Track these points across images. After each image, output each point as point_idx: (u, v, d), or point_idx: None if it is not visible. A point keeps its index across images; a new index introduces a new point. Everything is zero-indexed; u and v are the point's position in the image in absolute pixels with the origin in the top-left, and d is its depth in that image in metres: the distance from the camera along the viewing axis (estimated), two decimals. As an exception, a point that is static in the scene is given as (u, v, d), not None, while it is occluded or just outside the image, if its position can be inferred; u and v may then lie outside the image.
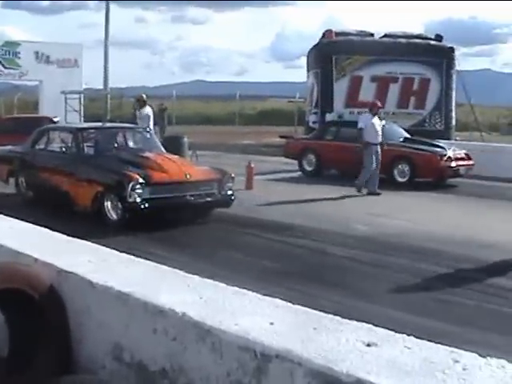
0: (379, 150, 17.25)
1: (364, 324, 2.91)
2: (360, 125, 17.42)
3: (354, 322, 2.94)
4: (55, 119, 22.80)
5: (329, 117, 27.47)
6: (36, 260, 4.07)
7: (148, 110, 21.20)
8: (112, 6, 34.70)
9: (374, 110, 17.92)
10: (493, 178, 19.92)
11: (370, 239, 11.47)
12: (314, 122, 29.21)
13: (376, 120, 17.50)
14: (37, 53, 35.76)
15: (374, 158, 17.04)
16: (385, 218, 13.51)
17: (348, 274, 9.24)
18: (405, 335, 2.76)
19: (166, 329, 3.15)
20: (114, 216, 11.97)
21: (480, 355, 2.56)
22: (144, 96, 22.86)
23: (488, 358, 2.54)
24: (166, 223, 12.00)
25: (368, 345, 2.66)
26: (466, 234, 11.80)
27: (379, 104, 18.69)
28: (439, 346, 2.67)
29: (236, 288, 3.47)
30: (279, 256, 10.27)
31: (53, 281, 3.83)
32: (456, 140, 27.33)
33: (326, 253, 10.53)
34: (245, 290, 3.43)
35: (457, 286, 8.63)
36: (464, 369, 2.45)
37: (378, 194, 16.59)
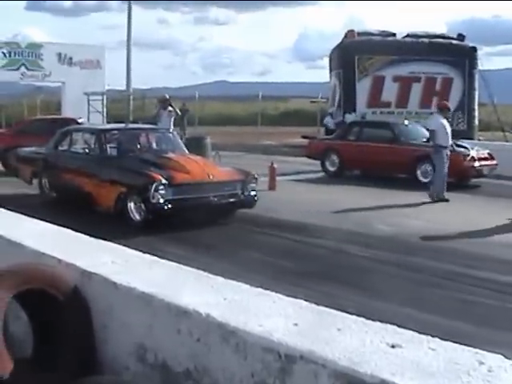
0: (449, 153, 16.48)
1: (388, 325, 2.90)
2: (432, 126, 16.64)
3: (378, 323, 2.93)
4: (80, 120, 22.90)
5: (349, 117, 27.47)
6: (60, 261, 4.07)
7: (169, 110, 21.31)
8: (134, 7, 34.83)
9: (444, 111, 17.22)
10: (517, 177, 19.78)
11: (390, 239, 11.48)
12: (337, 124, 29.19)
13: (446, 121, 16.73)
14: (59, 54, 36.02)
15: (445, 161, 16.22)
16: (406, 217, 13.50)
17: (367, 274, 9.23)
18: (429, 336, 2.75)
19: (190, 329, 3.14)
20: (137, 217, 12.00)
21: (506, 357, 2.54)
22: (167, 96, 22.98)
23: (515, 359, 2.52)
24: (189, 224, 12.03)
25: (392, 346, 2.65)
26: (487, 233, 11.82)
27: (449, 105, 18.41)
28: (464, 347, 2.65)
29: (260, 289, 3.47)
30: (300, 256, 10.31)
31: (76, 281, 3.84)
32: (479, 140, 27.24)
33: (346, 253, 10.53)
34: (268, 291, 3.42)
35: (477, 285, 8.60)
36: (489, 370, 2.43)
37: (447, 200, 15.84)
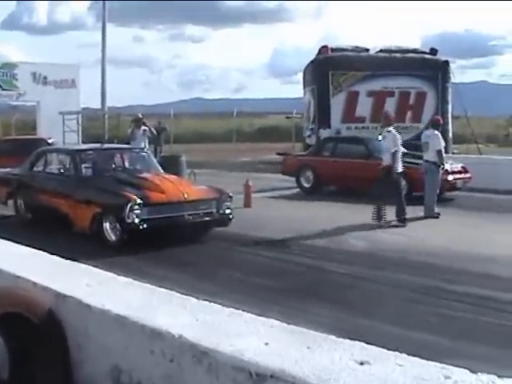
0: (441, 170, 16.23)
1: (357, 342, 2.96)
2: (440, 146, 16.09)
3: (348, 341, 3.00)
4: (50, 140, 22.84)
5: (324, 133, 27.54)
6: (35, 284, 4.12)
7: (144, 129, 21.37)
8: (110, 25, 35.03)
9: (437, 125, 17.20)
10: (490, 190, 20.02)
11: (367, 255, 11.54)
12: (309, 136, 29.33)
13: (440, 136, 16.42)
14: (34, 74, 35.96)
15: (437, 177, 16.00)
16: (382, 232, 13.59)
17: (346, 291, 9.26)
18: (397, 352, 2.81)
19: (164, 350, 3.19)
20: (113, 237, 12.00)
21: (471, 371, 2.61)
22: (140, 115, 23.02)
23: (479, 373, 2.58)
24: (166, 243, 12.05)
25: (361, 363, 2.72)
26: (464, 247, 11.84)
27: (441, 120, 18.30)
28: (430, 362, 2.72)
29: (232, 309, 3.52)
30: (277, 274, 10.32)
31: (51, 304, 3.88)
32: (453, 153, 27.35)
33: (324, 269, 10.57)
34: (240, 311, 3.48)
35: (456, 300, 8.64)
36: (455, 384, 2.51)
37: (438, 216, 15.63)
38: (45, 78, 36.17)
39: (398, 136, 15.35)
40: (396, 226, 14.43)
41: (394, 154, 14.91)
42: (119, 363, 3.49)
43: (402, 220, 14.75)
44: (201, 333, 3.14)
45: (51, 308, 3.87)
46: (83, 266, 4.75)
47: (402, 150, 15.41)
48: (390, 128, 15.44)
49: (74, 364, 3.80)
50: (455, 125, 33.06)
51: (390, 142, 15.11)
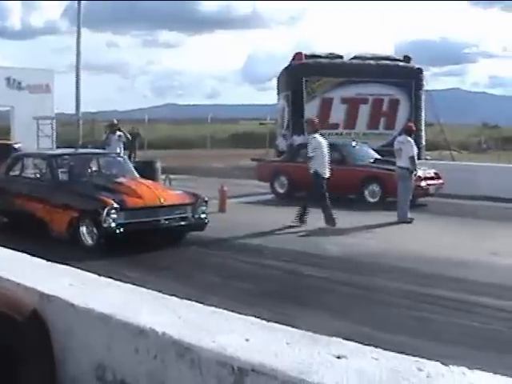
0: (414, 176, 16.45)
1: (334, 338, 3.07)
2: (413, 152, 16.40)
3: (325, 337, 3.10)
4: (17, 146, 22.70)
5: (297, 139, 27.65)
6: (18, 284, 4.17)
7: (119, 135, 21.44)
8: (83, 30, 34.86)
9: (410, 132, 17.39)
10: (462, 196, 20.30)
11: (342, 259, 11.68)
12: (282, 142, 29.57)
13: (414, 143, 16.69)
14: (8, 79, 35.73)
15: (409, 183, 16.21)
16: (355, 238, 13.77)
17: (323, 295, 9.40)
18: (372, 347, 2.93)
19: (147, 348, 3.27)
20: (90, 241, 12.05)
21: (443, 363, 2.73)
22: (115, 121, 23.08)
23: (450, 366, 2.71)
24: (142, 247, 12.12)
25: (338, 357, 2.83)
26: (436, 252, 12.02)
27: (414, 127, 18.49)
28: (404, 356, 2.83)
29: (213, 308, 3.62)
30: (253, 277, 10.43)
31: (35, 305, 3.94)
32: (426, 159, 27.57)
33: (300, 273, 10.68)
34: (221, 310, 3.58)
35: (428, 302, 8.81)
36: (428, 376, 2.62)
37: (411, 221, 15.84)
38: (19, 83, 35.98)
39: (324, 142, 15.75)
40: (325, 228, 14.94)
41: (318, 159, 15.39)
42: (103, 361, 3.55)
43: (331, 222, 15.09)
44: (183, 330, 3.22)
45: (36, 308, 3.93)
46: (65, 267, 4.82)
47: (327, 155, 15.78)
48: (315, 134, 15.77)
49: (58, 363, 3.85)
50: (429, 132, 33.33)
51: (316, 148, 15.49)
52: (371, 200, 19.14)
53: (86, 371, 3.66)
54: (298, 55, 30.65)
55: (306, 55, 30.72)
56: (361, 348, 2.96)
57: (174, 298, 3.86)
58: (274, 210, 18.44)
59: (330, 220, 15.05)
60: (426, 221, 16.19)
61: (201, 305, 3.69)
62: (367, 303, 8.95)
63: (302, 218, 15.20)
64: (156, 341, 3.23)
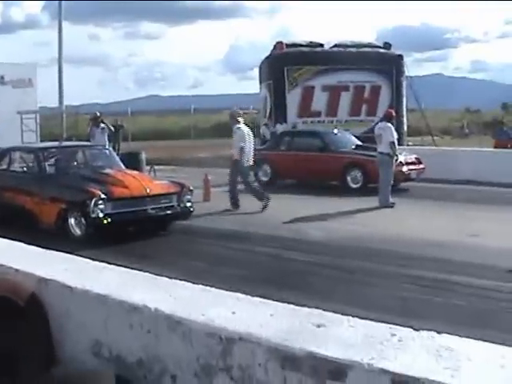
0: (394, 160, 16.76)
1: (315, 309, 3.33)
2: (393, 138, 16.62)
3: (306, 309, 3.37)
4: None
5: (280, 128, 27.84)
6: (17, 270, 4.39)
7: (102, 127, 21.63)
8: (64, 23, 34.77)
9: (390, 118, 17.68)
10: (443, 180, 20.58)
11: (325, 244, 11.91)
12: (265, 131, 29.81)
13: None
14: (-9, 73, 35.61)
15: (390, 168, 16.52)
16: (338, 223, 14.02)
17: (308, 278, 9.64)
18: (350, 317, 3.19)
19: (141, 323, 3.50)
20: (78, 232, 12.26)
21: (414, 329, 2.99)
22: (98, 114, 23.24)
23: (421, 331, 2.97)
24: (130, 236, 12.34)
25: (318, 326, 3.08)
26: (417, 234, 12.30)
27: (393, 113, 18.71)
28: (380, 324, 3.09)
29: (201, 286, 3.87)
30: (238, 263, 10.67)
31: (34, 289, 4.16)
32: (408, 145, 27.82)
33: (282, 258, 10.97)
34: (209, 288, 3.83)
35: (408, 282, 9.10)
36: (399, 340, 2.87)
37: (393, 205, 16.20)
38: (2, 77, 35.82)
39: (247, 132, 16.37)
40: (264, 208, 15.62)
41: (241, 149, 15.95)
42: (100, 339, 3.77)
43: (265, 203, 15.74)
44: (174, 306, 3.46)
45: (34, 292, 4.14)
46: (60, 253, 5.03)
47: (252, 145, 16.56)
48: (239, 125, 16.40)
49: (56, 342, 4.07)
50: (411, 118, 33.55)
51: (238, 138, 16.13)
52: (353, 186, 19.44)
53: (83, 349, 3.87)
54: (279, 44, 30.75)
55: (286, 44, 30.81)
56: (339, 317, 3.21)
57: (164, 278, 4.10)
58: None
59: (261, 198, 15.92)
60: (408, 205, 16.45)
61: (190, 284, 3.93)
62: (348, 284, 9.23)
63: (235, 203, 15.99)
64: (149, 316, 3.46)
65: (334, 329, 3.05)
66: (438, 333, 2.96)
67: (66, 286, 4.00)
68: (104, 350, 3.77)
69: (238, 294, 3.67)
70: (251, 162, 16.42)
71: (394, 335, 2.94)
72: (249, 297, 3.62)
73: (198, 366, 3.25)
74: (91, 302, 3.83)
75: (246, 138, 16.14)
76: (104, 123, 22.85)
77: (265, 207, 15.59)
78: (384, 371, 2.58)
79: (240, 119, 16.65)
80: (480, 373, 2.54)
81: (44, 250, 5.15)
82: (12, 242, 5.58)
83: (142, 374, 3.54)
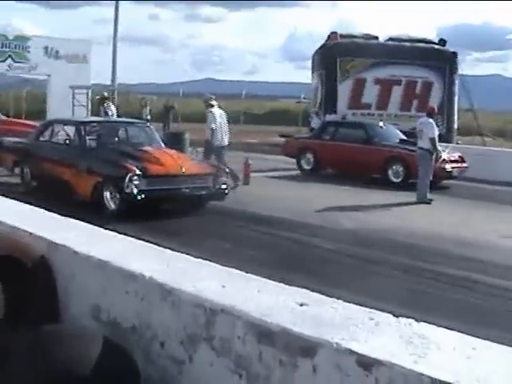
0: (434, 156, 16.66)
1: (302, 289, 3.41)
2: (433, 134, 16.52)
3: (294, 288, 3.45)
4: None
5: (330, 118, 27.81)
6: (31, 234, 4.55)
7: (111, 107, 22.01)
8: (125, 2, 35.26)
9: (433, 114, 17.56)
10: (486, 180, 20.34)
11: (356, 234, 11.97)
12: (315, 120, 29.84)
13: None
14: (46, 48, 35.97)
15: (429, 164, 16.44)
16: (370, 214, 14.09)
17: (328, 265, 9.75)
18: (335, 299, 3.27)
19: (136, 290, 3.61)
20: (113, 206, 12.51)
21: (394, 315, 3.06)
22: (105, 94, 23.61)
23: (400, 318, 3.04)
24: (163, 214, 12.51)
25: (301, 305, 3.16)
26: (450, 231, 12.29)
27: (435, 108, 18.69)
28: (362, 307, 3.17)
29: (200, 259, 3.98)
30: (264, 246, 10.79)
31: (44, 251, 4.31)
32: (457, 143, 27.59)
33: (310, 245, 11.05)
34: (207, 262, 3.94)
35: (428, 277, 9.14)
36: (376, 324, 2.93)
37: (430, 202, 16.13)
38: (57, 52, 36.23)
39: (220, 115, 17.46)
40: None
41: (212, 130, 17.02)
42: (99, 303, 3.89)
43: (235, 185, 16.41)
44: (168, 276, 3.56)
45: (43, 254, 4.29)
46: (76, 221, 5.17)
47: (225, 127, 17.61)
48: (212, 109, 17.38)
49: (61, 304, 4.22)
50: (463, 117, 33.24)
51: (209, 121, 17.15)
52: (395, 180, 19.40)
53: (84, 312, 3.99)
54: (333, 35, 30.77)
55: (341, 35, 30.79)
56: (323, 299, 3.29)
57: (168, 250, 4.21)
58: (297, 186, 18.75)
59: (235, 182, 16.70)
60: (445, 202, 16.38)
61: (190, 256, 4.05)
62: (365, 274, 9.28)
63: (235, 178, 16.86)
64: (144, 284, 3.56)
65: (315, 309, 3.12)
66: (417, 321, 3.01)
67: (73, 250, 4.13)
68: (103, 315, 3.88)
69: (233, 270, 3.77)
70: (225, 143, 17.43)
71: (372, 319, 3.00)
72: (242, 273, 3.71)
73: (184, 334, 3.34)
74: (93, 268, 3.94)
75: (217, 120, 17.06)
76: (113, 103, 23.15)
77: (233, 188, 15.80)
78: (351, 352, 2.64)
79: (213, 103, 17.61)
80: (444, 361, 2.59)
81: (62, 217, 5.29)
82: (34, 208, 5.74)
83: (135, 339, 3.67)
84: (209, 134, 16.94)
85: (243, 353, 3.06)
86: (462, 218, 14.02)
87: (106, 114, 22.29)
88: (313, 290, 3.27)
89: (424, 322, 2.96)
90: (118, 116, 23.56)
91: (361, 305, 3.20)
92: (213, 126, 16.85)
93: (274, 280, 3.58)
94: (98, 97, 26.08)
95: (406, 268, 9.61)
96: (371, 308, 3.15)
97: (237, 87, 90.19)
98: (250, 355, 3.03)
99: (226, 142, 17.36)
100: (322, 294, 3.37)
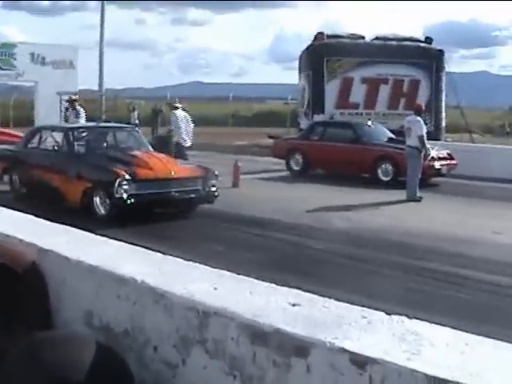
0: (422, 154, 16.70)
1: (294, 290, 3.42)
2: (421, 132, 16.61)
3: (286, 288, 3.45)
4: None
5: (317, 118, 27.81)
6: (21, 240, 4.54)
7: (79, 109, 22.00)
8: (111, 7, 35.39)
9: (421, 112, 17.67)
10: (475, 177, 20.40)
11: (348, 234, 11.99)
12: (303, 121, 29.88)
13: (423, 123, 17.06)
14: (32, 54, 35.96)
15: (418, 162, 16.48)
16: (361, 214, 14.09)
17: (321, 266, 9.74)
18: (327, 298, 3.27)
19: (128, 295, 3.61)
20: (102, 211, 12.49)
21: (387, 313, 3.06)
22: (73, 97, 23.55)
23: (392, 315, 3.04)
24: (153, 218, 12.49)
25: (293, 305, 3.17)
26: (441, 229, 12.32)
27: (423, 106, 18.76)
28: (354, 306, 3.17)
29: (191, 262, 3.98)
30: (255, 248, 10.81)
31: (35, 258, 4.30)
32: (446, 141, 27.64)
33: (300, 245, 11.08)
34: (197, 264, 3.94)
35: (421, 275, 9.15)
36: (369, 323, 2.94)
37: (420, 199, 16.19)
38: (43, 58, 36.18)
39: (184, 116, 18.51)
40: None
41: (171, 131, 18.47)
42: (91, 308, 3.88)
43: None
44: (160, 279, 3.56)
45: (35, 261, 4.28)
46: (65, 226, 5.16)
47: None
48: (175, 111, 18.54)
49: (53, 309, 4.21)
50: (451, 114, 33.29)
51: (172, 123, 18.39)
52: (384, 179, 19.45)
53: (76, 318, 3.99)
54: (319, 35, 30.74)
55: (327, 35, 30.78)
56: (315, 298, 3.29)
57: (158, 253, 4.21)
58: (286, 187, 18.75)
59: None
60: (435, 200, 16.43)
61: (180, 259, 4.04)
62: (358, 273, 9.31)
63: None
64: (136, 288, 3.55)
65: (307, 308, 3.12)
66: (409, 318, 3.01)
67: (63, 256, 4.12)
68: (95, 320, 3.87)
69: (224, 272, 3.76)
70: (188, 144, 18.47)
71: (364, 317, 3.00)
72: (234, 274, 3.71)
73: (177, 337, 3.34)
74: (84, 273, 3.94)
75: (179, 122, 18.13)
76: (82, 106, 22.96)
77: None
78: (344, 350, 2.64)
79: (177, 105, 18.90)
80: (437, 357, 2.59)
81: (51, 222, 5.28)
82: (24, 214, 5.72)
83: (128, 343, 3.66)
84: (177, 136, 17.91)
85: (237, 354, 3.05)
86: (452, 214, 14.05)
87: (77, 116, 22.12)
88: (307, 291, 3.27)
89: (417, 319, 2.98)
90: (92, 120, 23.59)
91: (355, 304, 3.20)
92: (173, 127, 18.01)
93: (267, 281, 3.58)
94: (66, 99, 26.04)
95: (399, 266, 9.63)
96: (365, 307, 3.15)
97: (224, 90, 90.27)
98: (244, 356, 3.02)
99: (188, 143, 18.30)
100: (316, 294, 3.37)
